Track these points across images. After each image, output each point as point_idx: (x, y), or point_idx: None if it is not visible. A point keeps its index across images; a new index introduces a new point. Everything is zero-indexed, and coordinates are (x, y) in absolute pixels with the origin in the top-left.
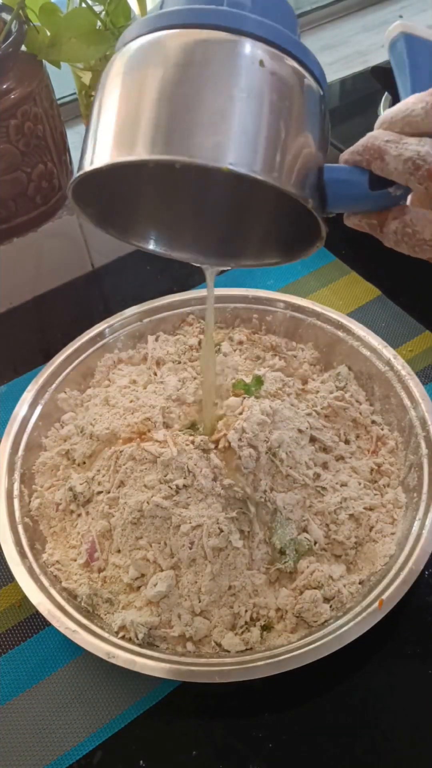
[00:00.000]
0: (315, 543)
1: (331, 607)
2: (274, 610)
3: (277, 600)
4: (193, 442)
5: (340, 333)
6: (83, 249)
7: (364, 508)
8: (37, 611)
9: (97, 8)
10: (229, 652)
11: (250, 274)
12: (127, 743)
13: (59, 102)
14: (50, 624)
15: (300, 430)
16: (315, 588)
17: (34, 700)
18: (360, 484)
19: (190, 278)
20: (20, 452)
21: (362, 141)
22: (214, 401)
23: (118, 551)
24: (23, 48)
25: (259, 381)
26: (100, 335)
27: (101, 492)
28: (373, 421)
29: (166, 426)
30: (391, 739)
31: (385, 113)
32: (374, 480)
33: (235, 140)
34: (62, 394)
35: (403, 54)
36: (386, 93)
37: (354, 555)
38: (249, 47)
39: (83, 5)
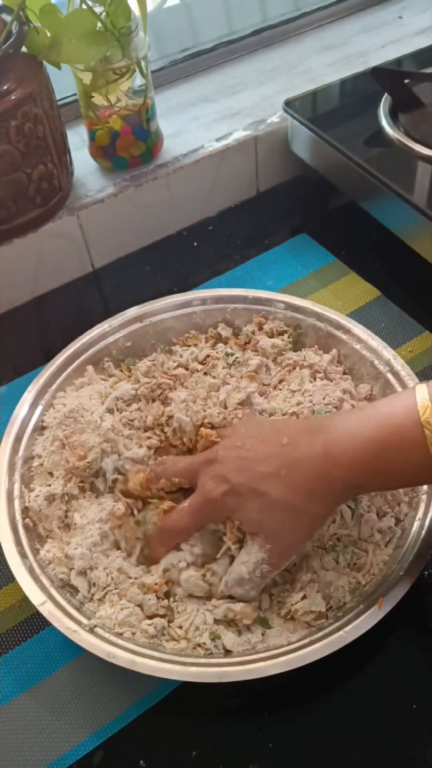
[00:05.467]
0: None
1: (330, 607)
2: None
3: None
4: None
5: (339, 333)
6: (83, 250)
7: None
8: (37, 611)
9: (98, 9)
10: (231, 652)
11: (250, 274)
12: (127, 743)
13: (59, 103)
14: (50, 624)
15: None
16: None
17: (34, 700)
18: None
19: (190, 278)
20: (20, 453)
21: None
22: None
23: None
24: (24, 49)
25: None
26: (101, 336)
27: None
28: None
29: None
30: (391, 739)
31: None
32: None
33: None
34: (62, 393)
35: None
36: (386, 93)
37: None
38: None
39: (83, 6)
